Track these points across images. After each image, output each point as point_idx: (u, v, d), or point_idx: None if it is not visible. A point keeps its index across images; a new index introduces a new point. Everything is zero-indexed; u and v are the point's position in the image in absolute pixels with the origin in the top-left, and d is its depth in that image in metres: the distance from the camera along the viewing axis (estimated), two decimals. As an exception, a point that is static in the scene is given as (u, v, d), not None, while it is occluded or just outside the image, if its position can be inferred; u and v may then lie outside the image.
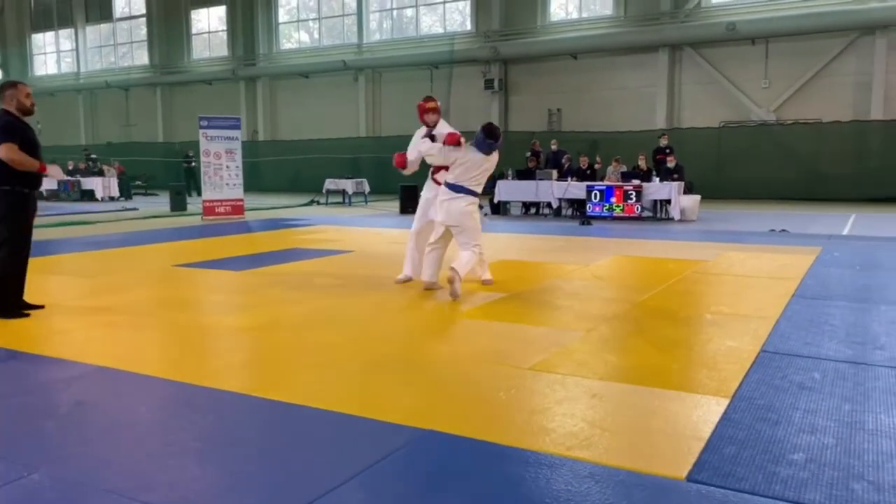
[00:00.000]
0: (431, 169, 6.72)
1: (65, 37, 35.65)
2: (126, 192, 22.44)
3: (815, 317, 5.09)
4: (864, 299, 5.74)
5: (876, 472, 2.57)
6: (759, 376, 3.72)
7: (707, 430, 2.98)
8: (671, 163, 14.19)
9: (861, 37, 19.07)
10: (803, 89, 19.93)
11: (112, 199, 21.31)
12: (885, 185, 17.87)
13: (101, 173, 22.25)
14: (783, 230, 11.12)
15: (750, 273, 7.07)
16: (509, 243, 9.90)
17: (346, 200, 19.18)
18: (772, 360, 4.03)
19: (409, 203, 16.17)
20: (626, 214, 13.42)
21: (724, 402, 3.32)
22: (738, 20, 19.98)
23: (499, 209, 15.55)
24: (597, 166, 15.11)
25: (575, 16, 23.49)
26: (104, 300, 5.94)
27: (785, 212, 15.30)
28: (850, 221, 13.07)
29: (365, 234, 11.38)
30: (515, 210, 15.98)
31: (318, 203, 19.31)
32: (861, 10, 18.87)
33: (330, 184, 19.44)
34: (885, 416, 3.14)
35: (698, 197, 14.07)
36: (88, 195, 21.47)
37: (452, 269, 5.81)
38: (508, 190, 15.29)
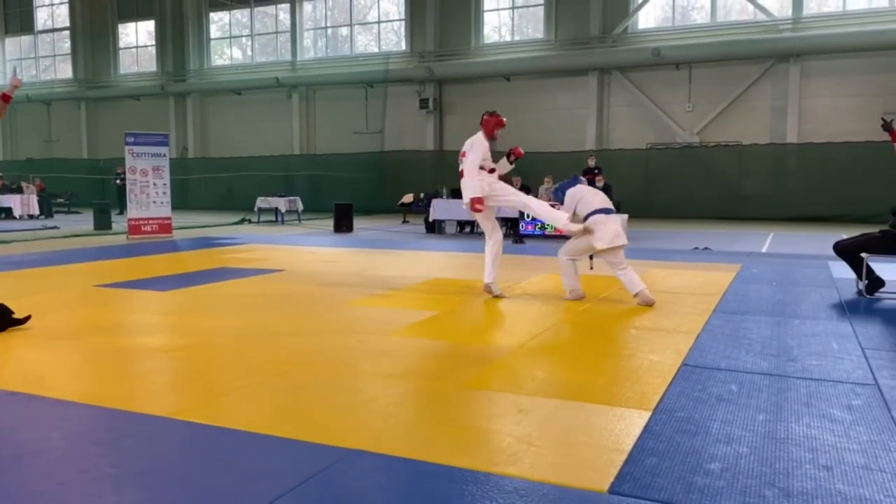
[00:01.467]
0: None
1: (-18, 48, 34.21)
2: (47, 210, 21.58)
3: (734, 331, 5.29)
4: (779, 314, 6.00)
5: (786, 480, 2.69)
6: (679, 389, 3.84)
7: (629, 443, 3.05)
8: (600, 182, 14.55)
9: (777, 64, 20.10)
10: (724, 113, 20.84)
11: (32, 217, 20.46)
12: (801, 204, 18.80)
13: (19, 190, 21.35)
14: (706, 248, 11.55)
15: (674, 289, 7.30)
16: (443, 262, 9.96)
17: (279, 219, 18.93)
18: (692, 373, 4.16)
19: (342, 221, 16.10)
20: (558, 233, 13.64)
21: (646, 415, 3.41)
22: (663, 46, 20.78)
23: (433, 228, 15.63)
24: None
25: (508, 38, 23.98)
26: (18, 322, 5.66)
27: (708, 230, 15.90)
28: (768, 239, 13.67)
29: (297, 252, 11.24)
30: (450, 228, 16.08)
31: (250, 221, 18.99)
32: (776, 38, 19.92)
33: (262, 202, 19.17)
34: (795, 425, 3.28)
35: (626, 216, 14.45)
36: (6, 213, 20.55)
37: (643, 293, 6.35)
38: (443, 209, 15.39)
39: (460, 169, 6.88)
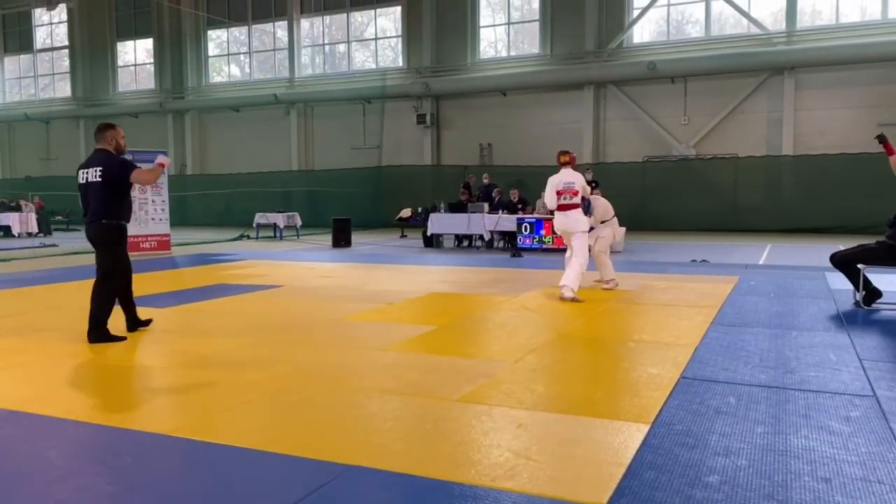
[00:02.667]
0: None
1: (-19, 67, 34.34)
2: (45, 227, 21.58)
3: (732, 343, 5.30)
4: (777, 325, 6.00)
5: (784, 492, 2.69)
6: (678, 402, 3.84)
7: (628, 457, 3.05)
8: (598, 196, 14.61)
9: (771, 77, 20.21)
10: (720, 126, 20.92)
11: (30, 234, 20.45)
12: (797, 216, 18.84)
13: (18, 208, 21.38)
14: (704, 260, 11.56)
15: (672, 302, 7.31)
16: (441, 276, 9.96)
17: (278, 234, 18.95)
18: (690, 385, 4.16)
19: (341, 236, 16.12)
20: (556, 246, 13.69)
21: (645, 429, 3.41)
22: (658, 60, 20.89)
23: (431, 242, 15.65)
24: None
25: (504, 54, 24.11)
26: (14, 341, 5.68)
27: (705, 242, 15.92)
28: (765, 251, 13.69)
29: (295, 268, 11.24)
30: (448, 242, 16.10)
31: (249, 237, 19.00)
32: (770, 52, 20.04)
33: (261, 218, 19.18)
34: (793, 437, 3.29)
35: (623, 229, 14.48)
36: (4, 231, 20.56)
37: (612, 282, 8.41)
38: (441, 223, 15.42)
39: (572, 201, 7.98)
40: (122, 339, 5.69)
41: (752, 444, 3.20)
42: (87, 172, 5.81)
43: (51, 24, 32.32)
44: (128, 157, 15.01)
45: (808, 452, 3.09)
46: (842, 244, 10.83)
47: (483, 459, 3.04)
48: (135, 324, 6.02)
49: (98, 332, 5.59)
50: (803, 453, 3.08)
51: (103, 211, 5.71)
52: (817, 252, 12.48)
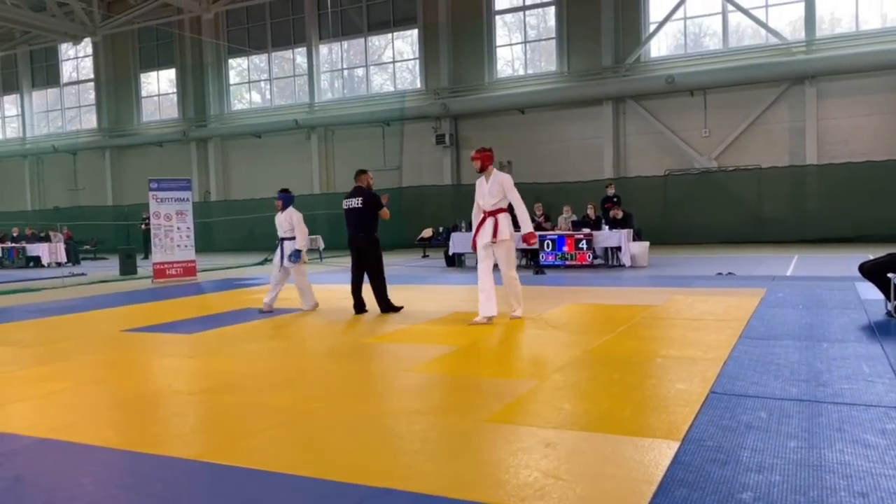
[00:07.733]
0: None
1: (9, 102, 35.20)
2: (74, 257, 21.94)
3: (762, 356, 5.22)
4: (807, 337, 5.91)
5: (821, 508, 2.63)
6: (708, 418, 3.79)
7: (658, 474, 3.01)
8: (618, 213, 14.53)
9: (792, 86, 20.07)
10: (742, 137, 20.78)
11: (59, 264, 20.79)
12: (823, 226, 18.60)
13: (47, 239, 21.78)
14: (730, 273, 11.44)
15: (698, 316, 7.23)
16: (463, 295, 9.94)
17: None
18: (720, 400, 4.11)
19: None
20: (579, 263, 13.64)
21: (675, 445, 3.36)
22: (677, 73, 20.85)
23: (453, 261, 15.66)
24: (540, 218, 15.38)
25: (521, 72, 24.22)
26: (47, 369, 5.76)
27: (731, 255, 15.75)
28: (792, 263, 13.51)
29: (318, 290, 11.25)
30: (470, 262, 16.07)
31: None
32: (790, 61, 19.91)
33: (284, 242, 19.30)
34: (828, 451, 3.22)
35: (647, 243, 14.41)
36: (34, 261, 20.93)
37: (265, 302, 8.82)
38: (463, 242, 15.42)
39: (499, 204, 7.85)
40: (401, 308, 8.21)
41: (785, 459, 3.14)
42: (350, 202, 8.19)
43: (76, 58, 33.10)
44: (153, 185, 15.33)
45: (843, 467, 3.02)
46: (871, 253, 10.65)
47: (512, 479, 3.02)
48: (363, 307, 8.26)
49: (387, 305, 8.11)
50: (838, 468, 3.02)
51: (365, 228, 8.08)
52: (845, 262, 12.28)
